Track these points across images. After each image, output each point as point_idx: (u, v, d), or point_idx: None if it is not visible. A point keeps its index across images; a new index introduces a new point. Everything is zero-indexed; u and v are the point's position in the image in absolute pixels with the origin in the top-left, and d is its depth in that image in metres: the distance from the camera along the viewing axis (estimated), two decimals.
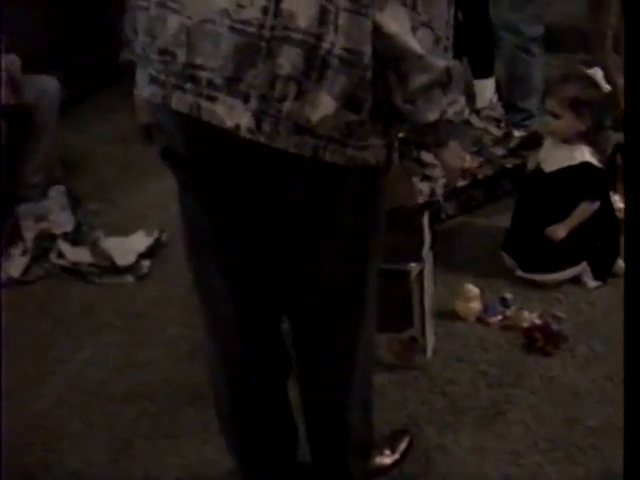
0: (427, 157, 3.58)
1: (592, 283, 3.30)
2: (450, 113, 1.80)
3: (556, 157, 3.35)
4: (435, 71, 1.72)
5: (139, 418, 2.86)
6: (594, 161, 3.26)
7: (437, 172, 3.68)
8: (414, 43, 1.67)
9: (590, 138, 3.26)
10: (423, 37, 1.69)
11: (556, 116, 3.28)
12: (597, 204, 3.29)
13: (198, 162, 1.83)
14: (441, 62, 1.73)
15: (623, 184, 3.41)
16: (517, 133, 4.22)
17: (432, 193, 3.65)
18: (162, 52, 1.72)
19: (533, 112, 4.27)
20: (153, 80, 1.76)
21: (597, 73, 3.27)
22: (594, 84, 3.26)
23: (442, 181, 3.67)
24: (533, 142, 4.07)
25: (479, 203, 3.92)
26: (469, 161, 3.86)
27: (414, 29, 1.67)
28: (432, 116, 1.77)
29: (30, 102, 4.15)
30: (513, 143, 4.13)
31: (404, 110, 1.76)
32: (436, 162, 3.64)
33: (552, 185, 3.35)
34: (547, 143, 3.45)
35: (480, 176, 3.91)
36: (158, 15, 1.72)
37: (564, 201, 3.31)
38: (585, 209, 3.29)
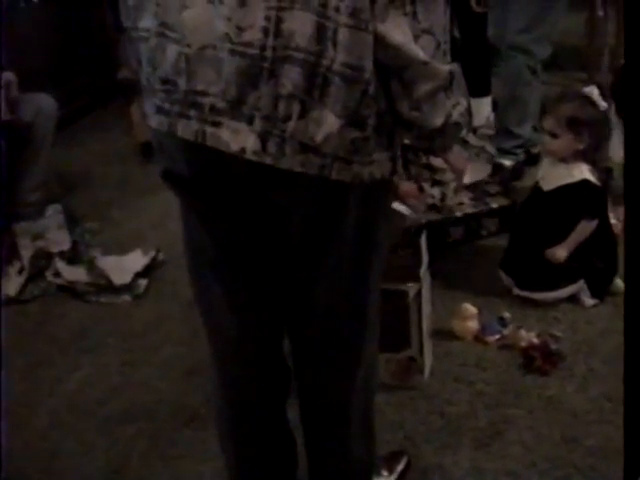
0: (436, 162, 3.59)
1: (589, 301, 3.30)
2: (455, 115, 1.80)
3: (554, 175, 3.36)
4: (439, 76, 1.72)
5: (135, 438, 2.85)
6: (593, 179, 3.27)
7: (447, 176, 3.69)
8: (418, 50, 1.67)
9: (589, 156, 3.27)
10: (426, 44, 1.69)
11: (554, 135, 3.29)
12: (595, 222, 3.29)
13: (201, 183, 1.83)
14: (444, 67, 1.74)
15: (623, 199, 3.43)
16: (507, 162, 4.23)
17: (443, 197, 3.66)
18: (164, 81, 1.73)
19: (525, 139, 4.28)
20: (159, 110, 1.76)
21: (593, 91, 3.28)
22: (591, 102, 3.27)
23: (453, 185, 3.68)
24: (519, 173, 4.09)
25: (489, 233, 3.86)
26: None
27: (416, 37, 1.68)
28: (439, 120, 1.77)
29: (27, 120, 4.16)
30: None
31: (410, 118, 1.76)
32: (446, 166, 3.67)
33: (551, 203, 3.36)
34: (546, 162, 3.46)
35: (495, 205, 3.87)
36: (158, 45, 1.72)
37: (563, 219, 3.32)
38: (584, 227, 3.29)
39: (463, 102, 1.83)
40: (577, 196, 3.29)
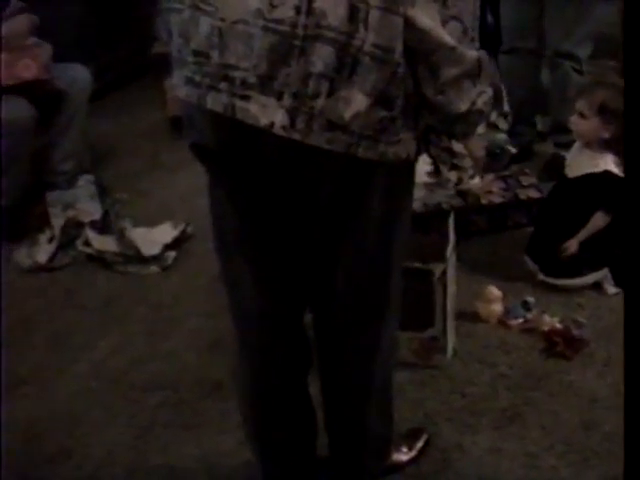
0: (457, 147, 3.58)
1: (612, 289, 3.30)
2: (479, 103, 1.82)
3: (579, 163, 3.36)
4: (466, 62, 1.74)
5: (159, 407, 2.89)
6: (617, 171, 3.26)
7: (466, 162, 3.68)
8: (446, 35, 1.69)
9: (615, 147, 3.26)
10: (453, 29, 1.71)
11: (584, 117, 3.30)
12: (611, 216, 3.29)
13: (229, 157, 1.85)
14: (472, 53, 1.75)
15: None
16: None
17: (459, 181, 3.65)
18: (196, 54, 1.75)
19: None
20: (188, 81, 1.78)
21: None
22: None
23: (470, 172, 3.67)
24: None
25: (516, 224, 3.83)
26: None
27: (444, 22, 1.70)
28: (463, 106, 1.79)
29: (61, 87, 4.19)
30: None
31: (435, 102, 1.77)
32: (465, 152, 3.66)
33: (574, 191, 3.36)
34: (574, 149, 3.46)
35: (523, 197, 3.83)
36: (191, 17, 1.74)
37: (584, 208, 3.32)
38: (598, 219, 3.30)
39: (489, 91, 1.84)
40: (598, 186, 3.29)
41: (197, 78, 1.76)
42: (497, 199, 3.82)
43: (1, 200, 3.97)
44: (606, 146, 3.27)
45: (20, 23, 4.08)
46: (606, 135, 3.25)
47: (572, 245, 3.32)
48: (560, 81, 4.23)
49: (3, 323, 3.30)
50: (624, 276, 3.28)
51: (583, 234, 3.32)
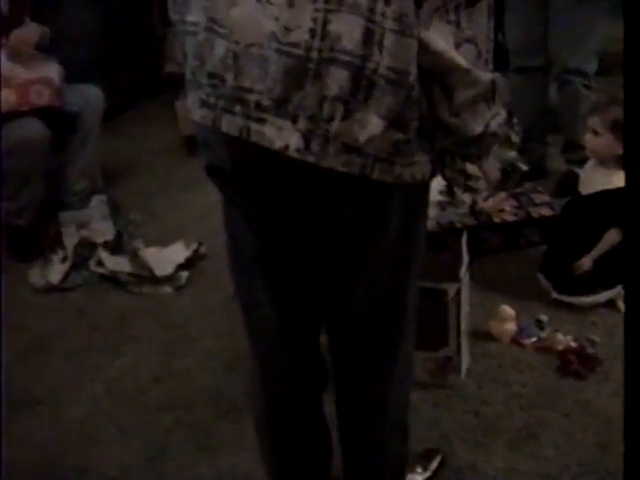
0: (471, 169, 3.59)
1: None
2: (493, 125, 1.82)
3: (593, 180, 3.36)
4: (481, 84, 1.74)
5: (174, 427, 2.89)
6: None
7: (480, 184, 3.69)
8: (460, 58, 1.70)
9: None
10: (467, 52, 1.71)
11: (597, 134, 3.30)
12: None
13: (244, 179, 1.85)
14: (486, 75, 1.76)
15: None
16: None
17: (473, 203, 3.66)
18: (211, 76, 1.76)
19: None
20: (203, 103, 1.79)
21: None
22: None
23: (484, 194, 3.67)
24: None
25: (529, 243, 3.83)
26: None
27: (457, 45, 1.70)
28: (477, 129, 1.79)
29: (74, 110, 4.22)
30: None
31: (450, 124, 1.78)
32: (480, 174, 3.66)
33: (587, 208, 3.37)
34: (588, 166, 3.46)
35: (536, 215, 3.83)
36: (206, 40, 1.75)
37: (598, 225, 3.32)
38: (612, 236, 3.30)
39: (503, 113, 1.84)
40: (612, 204, 3.28)
41: (212, 100, 1.77)
42: (510, 217, 3.82)
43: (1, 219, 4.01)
44: (620, 163, 3.27)
45: (30, 32, 4.10)
46: (619, 152, 3.26)
47: (585, 263, 3.32)
48: (570, 98, 4.25)
49: (4, 340, 3.30)
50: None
51: (597, 251, 3.32)
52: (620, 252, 3.29)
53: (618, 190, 3.26)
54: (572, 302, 3.34)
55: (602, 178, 3.33)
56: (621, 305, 3.31)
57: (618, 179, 3.27)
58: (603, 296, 3.32)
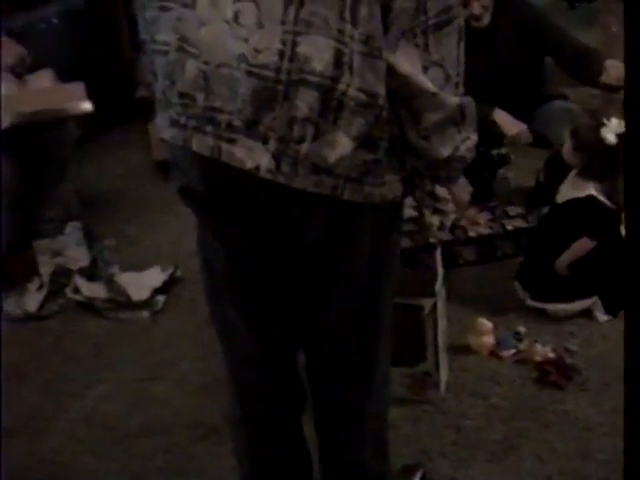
0: (440, 191, 3.61)
1: (603, 317, 3.30)
2: (462, 149, 1.83)
3: (567, 189, 3.39)
4: (448, 108, 1.75)
5: (152, 453, 2.87)
6: (601, 197, 3.30)
7: (449, 207, 3.71)
8: (427, 82, 1.70)
9: (594, 175, 3.30)
10: (434, 75, 1.72)
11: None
12: (595, 242, 3.31)
13: (216, 200, 1.85)
14: (453, 99, 1.76)
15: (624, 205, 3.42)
16: None
17: (441, 226, 3.67)
18: (182, 95, 1.76)
19: None
20: (174, 123, 1.78)
21: (610, 127, 3.27)
22: (596, 130, 3.28)
23: (452, 216, 3.68)
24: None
25: (505, 255, 3.83)
26: None
27: (425, 68, 1.71)
28: (445, 152, 1.80)
29: (46, 137, 4.20)
30: None
31: (418, 146, 1.79)
32: (448, 197, 3.68)
33: (561, 216, 3.39)
34: (569, 177, 3.48)
35: (510, 227, 3.85)
36: (177, 60, 1.75)
37: (571, 233, 3.35)
38: (583, 244, 3.33)
39: (473, 137, 1.85)
40: (581, 211, 3.33)
41: (182, 120, 1.77)
42: (485, 230, 3.83)
43: None
44: (592, 174, 3.30)
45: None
46: (577, 161, 3.30)
47: (559, 267, 3.33)
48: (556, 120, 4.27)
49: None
50: (615, 304, 3.28)
51: (568, 257, 3.34)
52: (594, 262, 3.31)
53: (587, 198, 3.29)
54: (547, 309, 3.34)
55: (574, 186, 3.35)
56: (598, 315, 3.31)
57: (588, 188, 3.29)
58: (578, 305, 3.33)
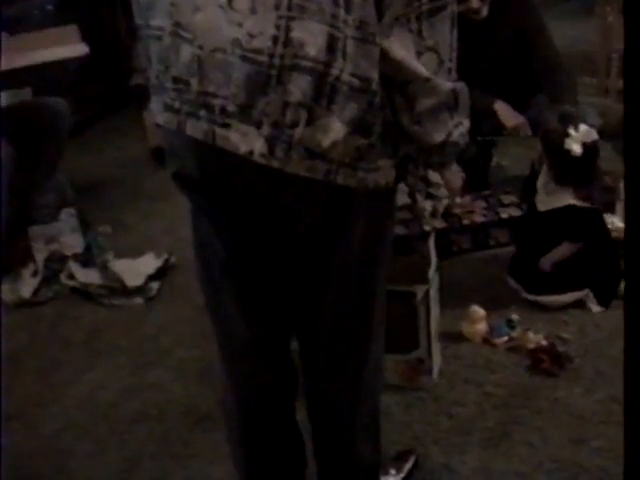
0: (433, 177, 3.61)
1: (596, 308, 3.32)
2: (455, 135, 1.83)
3: (547, 197, 3.43)
4: (441, 93, 1.76)
5: (147, 439, 2.88)
6: (579, 203, 3.34)
7: (442, 192, 3.71)
8: (420, 67, 1.71)
9: (570, 184, 3.34)
10: (428, 61, 1.73)
11: None
12: (578, 245, 3.35)
13: (210, 185, 1.85)
14: (447, 84, 1.77)
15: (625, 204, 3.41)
16: None
17: (434, 212, 3.68)
18: (176, 80, 1.76)
19: None
20: (168, 108, 1.78)
21: (575, 137, 3.25)
22: (562, 139, 3.28)
23: (445, 201, 3.69)
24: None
25: (498, 243, 3.84)
26: None
27: (419, 54, 1.72)
28: (438, 137, 1.81)
29: (40, 123, 4.20)
30: None
31: (411, 131, 1.79)
32: (441, 182, 3.68)
33: (544, 223, 3.44)
34: (541, 178, 3.49)
35: (505, 215, 3.85)
36: (172, 44, 1.75)
37: (555, 237, 3.39)
38: (567, 248, 3.37)
39: (466, 123, 1.86)
40: (562, 221, 3.36)
41: (176, 105, 1.77)
42: (479, 219, 3.83)
43: None
44: (560, 180, 3.35)
45: None
46: (548, 164, 3.38)
47: (544, 264, 3.36)
48: None
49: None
50: (607, 295, 3.30)
51: (551, 258, 3.38)
52: (582, 259, 3.32)
53: (568, 208, 3.34)
54: (540, 301, 3.36)
55: (553, 195, 3.40)
56: (591, 306, 3.33)
57: (565, 196, 3.34)
58: (570, 297, 3.34)
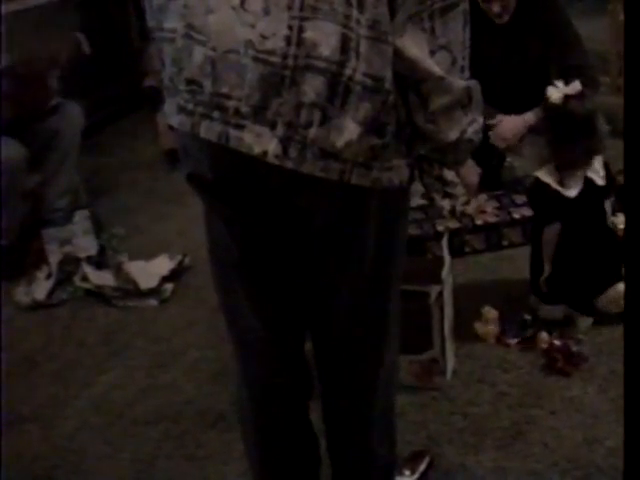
0: (449, 175, 3.61)
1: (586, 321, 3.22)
2: (470, 132, 1.83)
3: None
4: (455, 91, 1.76)
5: (162, 440, 2.89)
6: (548, 179, 3.17)
7: (458, 190, 3.71)
8: (434, 65, 1.71)
9: (543, 134, 3.22)
10: (441, 59, 1.73)
11: None
12: (557, 226, 3.17)
13: (224, 186, 1.86)
14: (460, 82, 1.77)
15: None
16: None
17: (452, 210, 3.68)
18: (189, 82, 1.76)
19: None
20: (181, 109, 1.79)
21: (559, 87, 3.13)
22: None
23: (463, 199, 3.68)
24: None
25: (511, 244, 3.83)
26: None
27: (432, 52, 1.72)
28: (453, 135, 1.81)
29: (53, 126, 4.22)
30: None
31: (426, 130, 1.79)
32: (457, 180, 3.68)
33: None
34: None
35: (517, 215, 3.83)
36: (184, 46, 1.75)
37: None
38: (548, 234, 3.20)
39: (479, 120, 1.86)
40: (531, 197, 3.34)
41: (190, 107, 1.77)
42: (492, 219, 3.83)
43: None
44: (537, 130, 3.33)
45: None
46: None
47: (545, 270, 3.26)
48: None
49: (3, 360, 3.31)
50: (589, 306, 3.23)
51: (546, 255, 3.24)
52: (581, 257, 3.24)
53: (534, 181, 3.24)
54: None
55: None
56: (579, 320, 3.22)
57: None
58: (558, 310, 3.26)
